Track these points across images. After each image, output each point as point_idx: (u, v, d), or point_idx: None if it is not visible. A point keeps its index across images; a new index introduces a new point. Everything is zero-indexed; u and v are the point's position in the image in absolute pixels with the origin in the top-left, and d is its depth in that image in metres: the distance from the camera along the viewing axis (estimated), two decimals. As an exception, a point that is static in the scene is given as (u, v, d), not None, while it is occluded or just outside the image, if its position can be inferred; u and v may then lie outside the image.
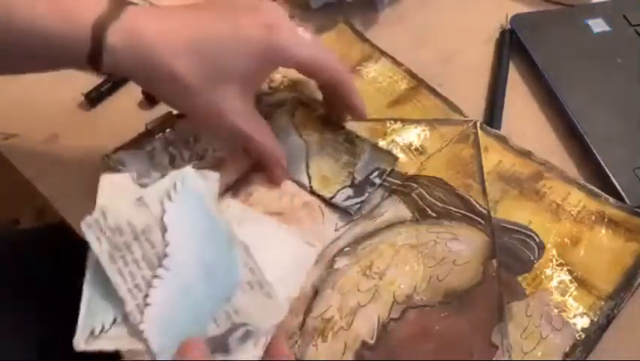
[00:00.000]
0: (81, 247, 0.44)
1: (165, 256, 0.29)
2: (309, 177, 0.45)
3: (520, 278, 0.41)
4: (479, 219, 0.44)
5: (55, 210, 0.46)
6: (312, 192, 0.44)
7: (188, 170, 0.32)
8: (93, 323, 0.29)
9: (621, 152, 0.49)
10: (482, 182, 0.46)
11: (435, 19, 0.61)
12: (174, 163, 0.45)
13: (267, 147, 0.41)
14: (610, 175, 0.47)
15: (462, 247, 0.42)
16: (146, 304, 0.28)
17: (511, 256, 0.42)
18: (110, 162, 0.44)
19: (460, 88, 0.53)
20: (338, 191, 0.44)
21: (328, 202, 0.44)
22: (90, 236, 0.30)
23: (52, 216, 0.47)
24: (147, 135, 0.46)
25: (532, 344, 0.38)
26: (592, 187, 0.46)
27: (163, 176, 0.32)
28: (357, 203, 0.44)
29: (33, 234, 0.60)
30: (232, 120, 0.38)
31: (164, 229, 0.29)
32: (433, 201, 0.45)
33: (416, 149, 0.48)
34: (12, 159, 0.49)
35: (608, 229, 0.44)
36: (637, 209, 0.45)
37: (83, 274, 0.50)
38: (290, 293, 0.30)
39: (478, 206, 0.45)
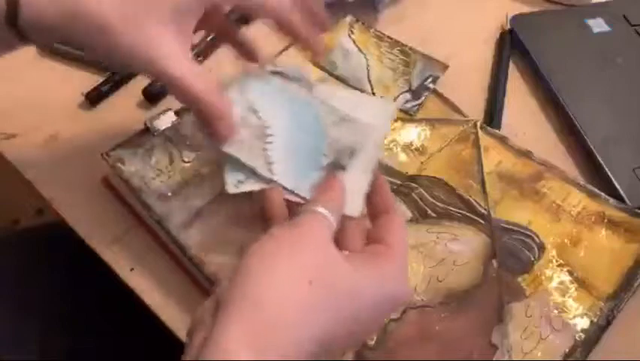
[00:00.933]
0: (81, 247, 0.44)
1: (266, 127, 0.38)
2: (371, 86, 0.52)
3: (520, 279, 0.41)
4: (479, 220, 0.44)
5: (54, 210, 0.46)
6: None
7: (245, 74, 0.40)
8: (237, 176, 0.38)
9: (621, 152, 0.49)
10: (482, 182, 0.46)
11: (435, 19, 0.61)
12: (173, 161, 0.45)
13: (204, 96, 0.35)
14: (610, 175, 0.47)
15: (462, 248, 0.42)
16: (270, 163, 0.37)
17: (511, 256, 0.42)
18: (109, 160, 0.44)
19: (460, 88, 0.53)
20: (398, 95, 0.52)
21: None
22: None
23: (51, 216, 0.47)
24: (146, 133, 0.46)
25: (532, 344, 0.38)
26: (592, 188, 0.46)
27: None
28: (415, 105, 0.51)
29: (33, 233, 0.60)
30: (162, 63, 0.34)
31: (256, 112, 0.38)
32: (434, 201, 0.45)
33: (416, 148, 0.48)
34: (12, 159, 0.49)
35: (607, 229, 0.44)
36: (637, 210, 0.45)
37: (82, 274, 0.50)
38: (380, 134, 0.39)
39: (478, 206, 0.45)
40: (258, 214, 0.43)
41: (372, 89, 0.52)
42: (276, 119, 0.38)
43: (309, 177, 0.36)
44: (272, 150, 0.37)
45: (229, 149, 0.37)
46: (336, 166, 0.37)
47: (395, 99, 0.51)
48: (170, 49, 0.34)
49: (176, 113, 0.47)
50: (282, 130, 0.38)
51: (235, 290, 0.27)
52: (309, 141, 0.38)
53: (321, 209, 0.31)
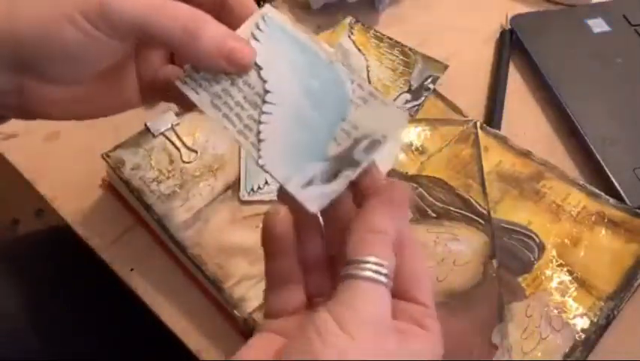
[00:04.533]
0: (80, 248, 0.44)
1: (267, 92, 0.29)
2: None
3: (520, 279, 0.41)
4: (479, 220, 0.44)
5: (54, 210, 0.46)
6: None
7: (268, 7, 0.31)
8: (251, 184, 0.41)
9: (621, 152, 0.49)
10: (482, 182, 0.46)
11: (435, 19, 0.61)
12: (173, 162, 0.45)
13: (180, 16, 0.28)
14: (610, 175, 0.47)
15: (462, 248, 0.42)
16: (260, 140, 0.29)
17: (511, 256, 0.42)
18: (109, 161, 0.44)
19: (460, 88, 0.53)
20: (398, 96, 0.51)
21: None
22: (188, 91, 0.29)
23: (51, 216, 0.47)
24: (146, 133, 0.46)
25: (532, 344, 0.38)
26: (592, 188, 0.46)
27: None
28: (415, 105, 0.50)
29: (33, 235, 0.60)
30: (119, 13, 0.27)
31: (258, 69, 0.29)
32: (433, 201, 0.45)
33: (416, 149, 0.48)
34: (12, 160, 0.49)
35: (608, 229, 0.44)
36: (637, 209, 0.45)
37: (82, 274, 0.50)
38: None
39: (478, 206, 0.45)
40: (258, 215, 0.43)
41: None
42: (282, 82, 0.29)
43: (306, 169, 0.28)
44: (266, 124, 0.29)
45: (216, 115, 0.29)
46: (344, 162, 0.28)
47: (395, 99, 0.51)
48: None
49: (176, 113, 0.47)
50: (286, 98, 0.29)
51: None
52: (318, 120, 0.29)
53: (371, 273, 0.25)
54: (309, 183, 0.28)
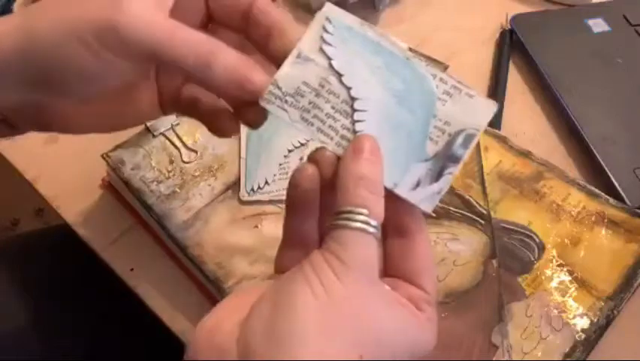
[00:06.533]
0: (80, 248, 0.44)
1: (354, 99, 0.28)
2: None
3: (520, 279, 0.41)
4: (479, 220, 0.44)
5: (54, 210, 0.46)
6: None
7: (329, 7, 0.29)
8: (251, 184, 0.42)
9: (621, 152, 0.49)
10: (482, 182, 0.46)
11: (435, 19, 0.61)
12: (173, 162, 0.45)
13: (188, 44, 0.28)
14: (610, 175, 0.47)
15: (462, 248, 0.42)
16: None
17: (511, 256, 0.42)
18: (109, 161, 0.44)
19: (460, 88, 0.53)
20: None
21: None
22: (275, 110, 0.28)
23: (51, 216, 0.47)
24: (146, 133, 0.46)
25: (532, 344, 0.38)
26: (592, 188, 0.46)
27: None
28: None
29: (33, 235, 0.60)
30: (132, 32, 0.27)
31: (338, 76, 0.28)
32: (433, 201, 0.45)
33: (416, 149, 0.48)
34: (12, 160, 0.49)
35: (608, 229, 0.44)
36: (637, 209, 0.45)
37: (82, 274, 0.50)
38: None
39: (478, 206, 0.45)
40: (258, 215, 0.43)
41: None
42: (366, 86, 0.28)
43: (410, 171, 0.28)
44: (362, 131, 0.28)
45: (310, 130, 0.28)
46: (447, 159, 0.29)
47: None
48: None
49: (176, 114, 0.47)
50: (374, 102, 0.28)
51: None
52: (410, 120, 0.28)
53: (361, 223, 0.25)
54: (417, 184, 0.28)
